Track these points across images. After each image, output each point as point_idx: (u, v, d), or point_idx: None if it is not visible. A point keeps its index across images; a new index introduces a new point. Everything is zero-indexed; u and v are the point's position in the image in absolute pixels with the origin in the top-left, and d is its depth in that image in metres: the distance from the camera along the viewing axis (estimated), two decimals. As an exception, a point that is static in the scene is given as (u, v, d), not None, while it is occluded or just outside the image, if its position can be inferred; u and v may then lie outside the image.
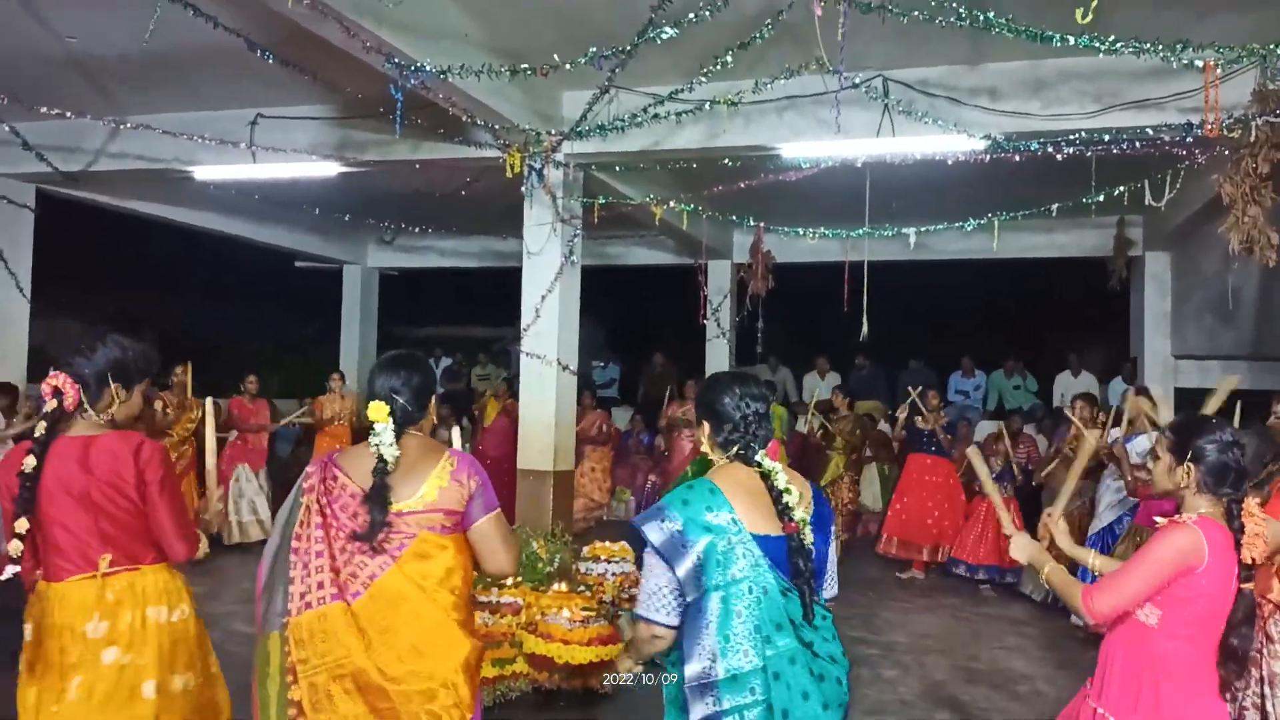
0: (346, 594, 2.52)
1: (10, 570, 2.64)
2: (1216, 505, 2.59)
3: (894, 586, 8.43)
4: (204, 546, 2.99)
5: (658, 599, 2.34)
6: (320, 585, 2.52)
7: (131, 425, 3.02)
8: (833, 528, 2.52)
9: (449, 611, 2.60)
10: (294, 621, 2.50)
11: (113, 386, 2.90)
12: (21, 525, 2.67)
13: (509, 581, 5.82)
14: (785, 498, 2.36)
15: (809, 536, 2.37)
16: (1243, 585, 2.52)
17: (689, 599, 2.31)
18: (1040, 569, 2.77)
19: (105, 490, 2.77)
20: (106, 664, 2.76)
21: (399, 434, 2.64)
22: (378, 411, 2.63)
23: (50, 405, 2.80)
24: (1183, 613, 2.50)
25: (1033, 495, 8.52)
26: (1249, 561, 2.51)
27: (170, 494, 2.86)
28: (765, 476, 2.41)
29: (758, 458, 2.43)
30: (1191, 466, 2.61)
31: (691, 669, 2.27)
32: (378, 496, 2.55)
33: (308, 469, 2.69)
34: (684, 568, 2.30)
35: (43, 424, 2.77)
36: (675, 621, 2.34)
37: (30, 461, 2.72)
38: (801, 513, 2.36)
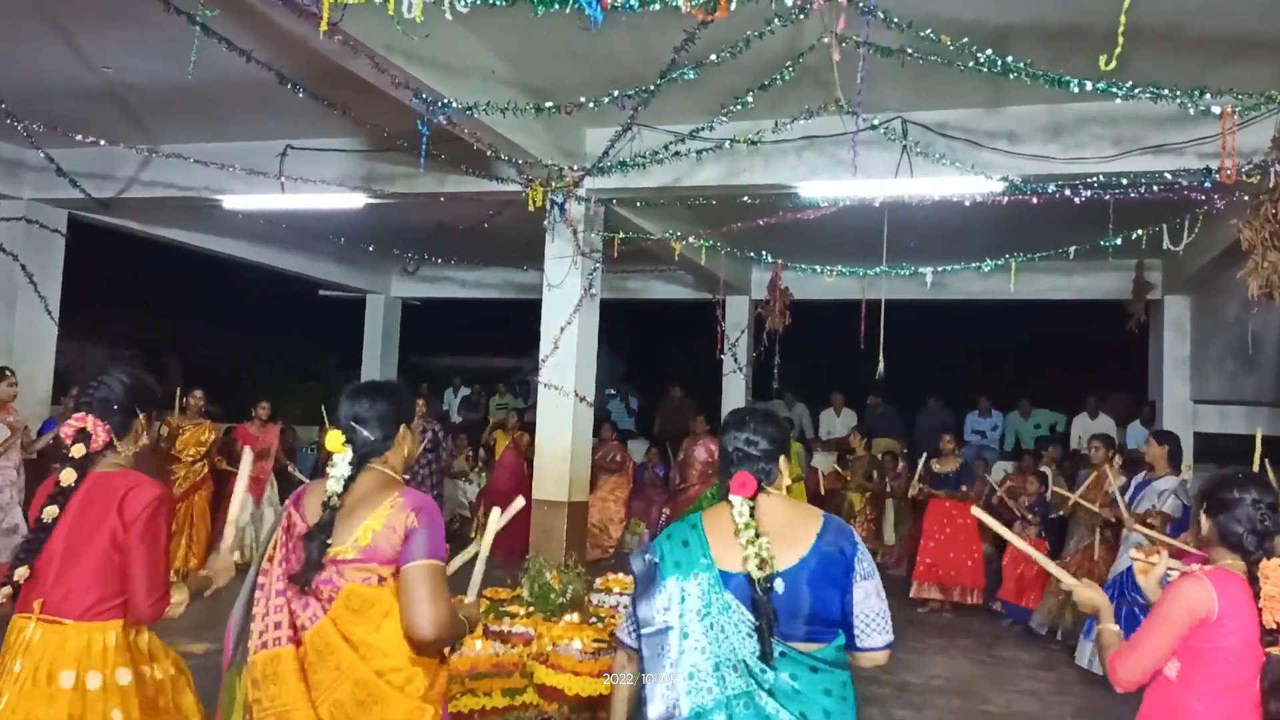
0: (299, 636, 2.39)
1: None
2: (1238, 560, 2.54)
3: (908, 625, 8.36)
4: (179, 604, 2.81)
5: (628, 623, 2.40)
6: (278, 625, 2.40)
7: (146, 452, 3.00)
8: (859, 568, 2.28)
9: (385, 674, 2.36)
10: (252, 660, 2.40)
11: (141, 418, 2.87)
12: (21, 574, 2.64)
13: (523, 612, 5.83)
14: (742, 534, 2.25)
15: (761, 575, 2.20)
16: (1268, 650, 2.42)
17: (649, 632, 2.28)
18: (1099, 622, 2.67)
19: (85, 530, 2.69)
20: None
21: (359, 467, 2.48)
22: (334, 441, 2.46)
23: (78, 451, 2.73)
24: (1202, 668, 2.45)
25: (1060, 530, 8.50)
26: (1272, 626, 2.42)
27: (150, 544, 2.70)
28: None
29: (730, 493, 2.33)
30: (1206, 518, 2.59)
31: (654, 709, 2.22)
32: (315, 535, 2.39)
33: (288, 500, 2.58)
34: (648, 602, 2.30)
35: (71, 472, 2.71)
36: (633, 643, 2.37)
37: (52, 511, 2.66)
38: (756, 551, 2.21)
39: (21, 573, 2.64)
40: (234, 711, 2.46)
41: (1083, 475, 8.49)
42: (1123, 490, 6.67)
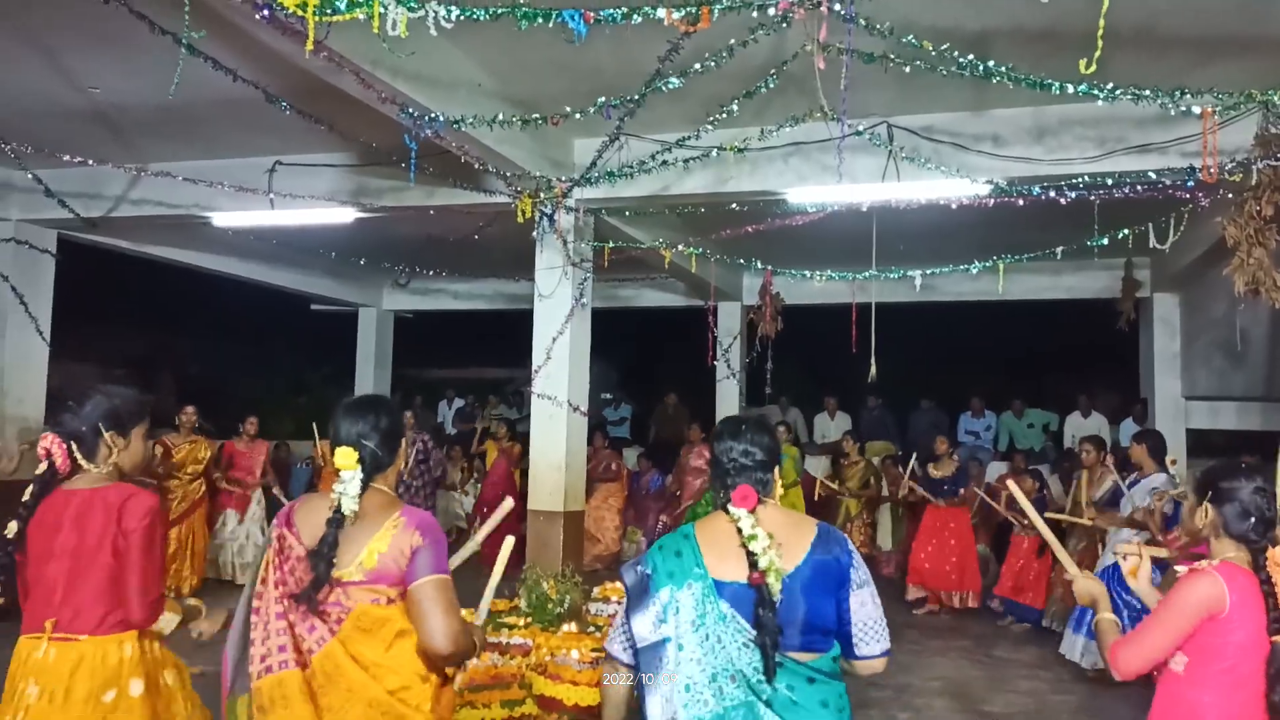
0: (305, 659, 2.38)
1: None
2: (1242, 551, 2.54)
3: (906, 628, 8.37)
4: (170, 621, 2.89)
5: (618, 633, 2.41)
6: (282, 649, 2.38)
7: (141, 471, 3.03)
8: (855, 577, 2.29)
9: (397, 693, 2.36)
10: (255, 685, 2.39)
11: (107, 436, 2.85)
12: None
13: (521, 623, 5.84)
14: (750, 545, 2.24)
15: (776, 586, 2.21)
16: (1274, 638, 2.43)
17: (644, 646, 2.29)
18: (1097, 612, 2.68)
19: (89, 546, 2.72)
20: None
21: (365, 485, 2.47)
22: (345, 458, 2.43)
23: (41, 468, 2.77)
24: (1211, 663, 2.45)
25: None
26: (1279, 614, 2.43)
27: (147, 549, 2.75)
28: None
29: (730, 505, 2.32)
30: (1210, 508, 2.58)
31: None
32: (322, 554, 2.37)
33: (275, 522, 2.53)
34: (642, 614, 2.30)
35: (31, 489, 2.74)
36: (627, 659, 2.38)
37: (13, 526, 2.69)
38: (768, 561, 2.22)
39: None
40: None
41: (1075, 477, 8.53)
42: (1115, 491, 6.72)
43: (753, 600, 2.22)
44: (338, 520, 2.39)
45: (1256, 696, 2.44)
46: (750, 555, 2.23)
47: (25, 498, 2.74)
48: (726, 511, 2.32)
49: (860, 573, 2.30)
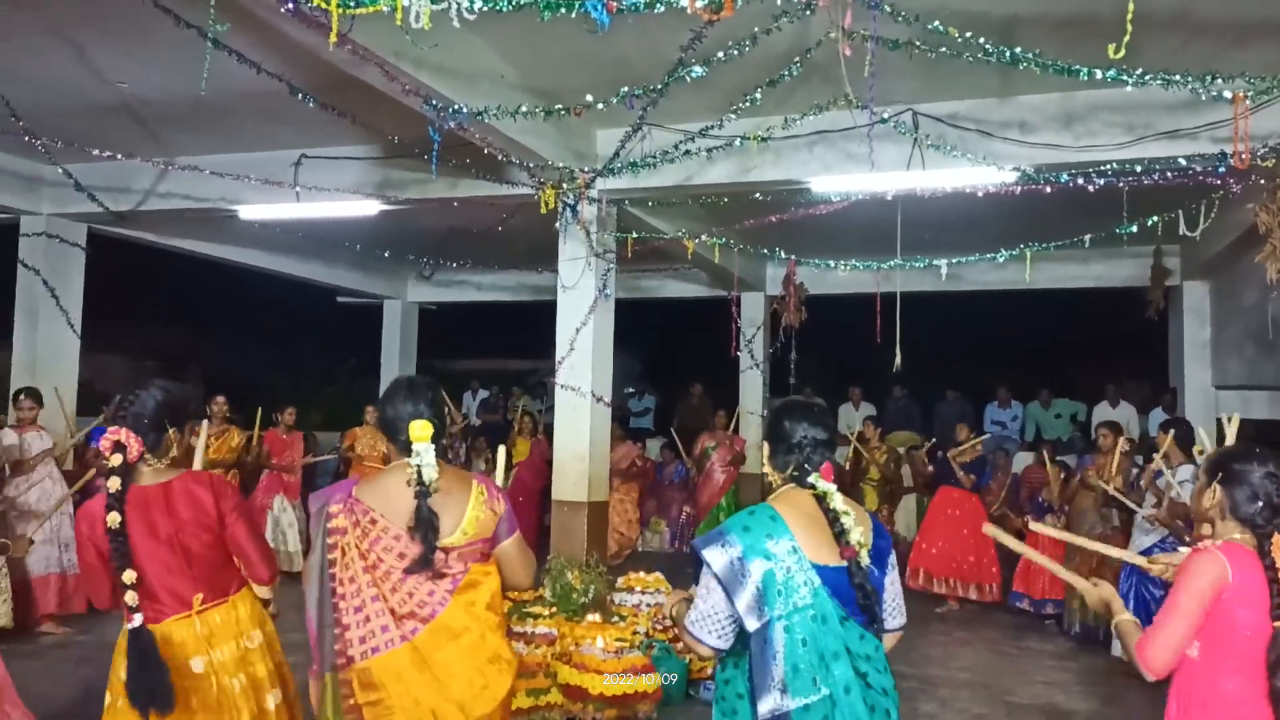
0: (408, 633, 2.53)
1: (138, 619, 2.75)
2: (1246, 535, 2.53)
3: (931, 619, 8.34)
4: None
5: (710, 622, 2.37)
6: (385, 629, 2.51)
7: (183, 463, 3.14)
8: (891, 558, 2.50)
9: (496, 631, 2.66)
10: (361, 666, 2.49)
11: (170, 432, 3.00)
12: (130, 576, 2.76)
13: (546, 613, 5.87)
14: (843, 520, 2.36)
15: (865, 561, 2.35)
16: (1276, 623, 2.42)
17: (752, 629, 2.30)
18: (1113, 616, 2.66)
19: (192, 530, 2.91)
20: (233, 692, 2.93)
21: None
22: (423, 430, 2.54)
23: (115, 460, 2.85)
24: (1222, 644, 2.44)
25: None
26: None
27: (247, 520, 3.03)
28: (821, 499, 2.41)
29: (811, 479, 2.44)
30: (1219, 488, 2.58)
31: (764, 706, 2.24)
32: (427, 524, 2.51)
33: (329, 508, 2.59)
34: (743, 598, 2.30)
35: (116, 479, 2.81)
36: (723, 645, 2.38)
37: (115, 518, 2.78)
38: (858, 536, 2.35)
39: (130, 575, 2.76)
40: (331, 713, 2.55)
41: (1086, 460, 8.42)
42: (1138, 479, 6.65)
43: (843, 577, 2.34)
44: (425, 492, 2.53)
45: (1263, 682, 2.44)
46: (842, 530, 2.35)
47: (112, 489, 2.80)
48: (809, 487, 2.44)
49: (894, 554, 2.53)
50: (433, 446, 2.55)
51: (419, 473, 2.52)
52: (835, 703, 2.23)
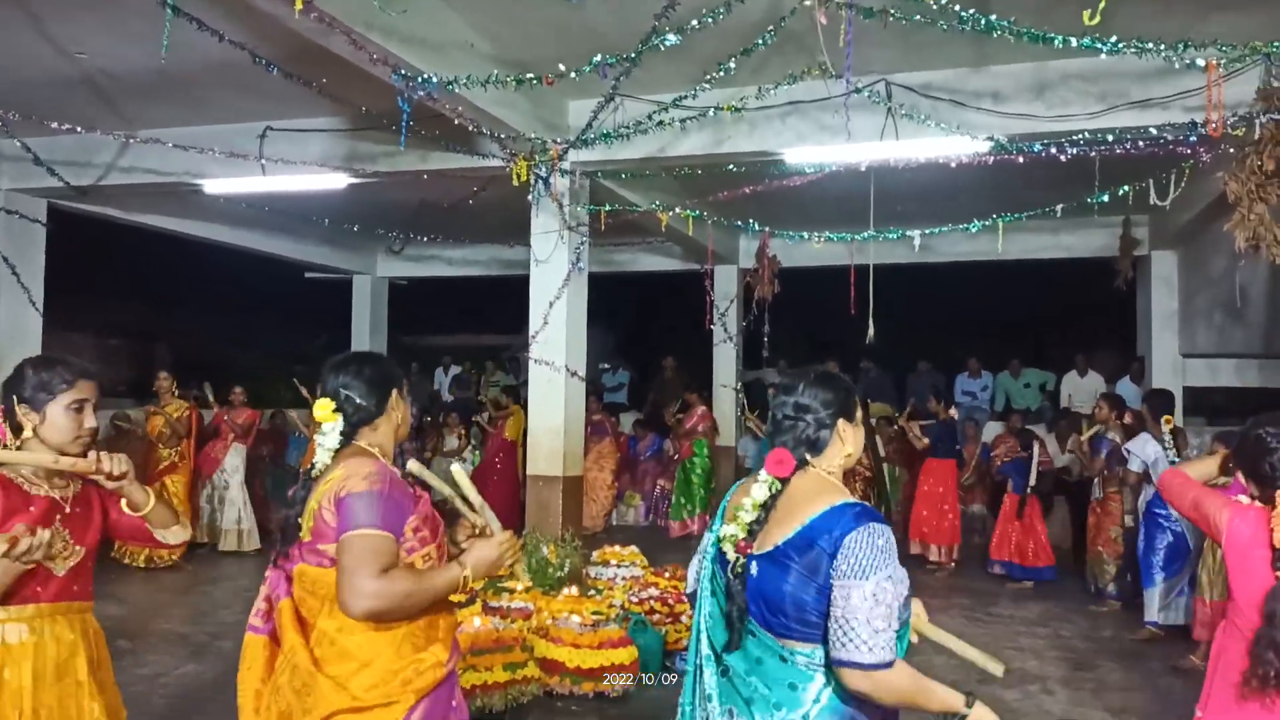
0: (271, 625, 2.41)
1: None
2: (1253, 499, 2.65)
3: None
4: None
5: (691, 567, 2.45)
6: (257, 611, 2.44)
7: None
8: (840, 561, 1.96)
9: (321, 664, 2.21)
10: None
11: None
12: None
13: (519, 586, 5.86)
14: (739, 513, 2.14)
15: (732, 555, 2.13)
16: (1277, 571, 2.43)
17: (688, 591, 2.38)
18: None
19: None
20: None
21: (350, 438, 2.36)
22: (323, 410, 2.34)
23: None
24: (1248, 584, 2.50)
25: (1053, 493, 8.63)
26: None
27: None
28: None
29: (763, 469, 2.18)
30: (1219, 444, 2.72)
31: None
32: (291, 511, 2.34)
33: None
34: (695, 559, 2.37)
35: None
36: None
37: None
38: (732, 533, 2.12)
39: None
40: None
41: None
42: (1114, 451, 6.78)
43: (728, 567, 2.14)
44: (305, 479, 2.31)
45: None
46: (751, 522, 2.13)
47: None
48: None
49: (852, 562, 1.94)
50: (337, 426, 2.33)
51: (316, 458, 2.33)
52: (699, 679, 2.19)
